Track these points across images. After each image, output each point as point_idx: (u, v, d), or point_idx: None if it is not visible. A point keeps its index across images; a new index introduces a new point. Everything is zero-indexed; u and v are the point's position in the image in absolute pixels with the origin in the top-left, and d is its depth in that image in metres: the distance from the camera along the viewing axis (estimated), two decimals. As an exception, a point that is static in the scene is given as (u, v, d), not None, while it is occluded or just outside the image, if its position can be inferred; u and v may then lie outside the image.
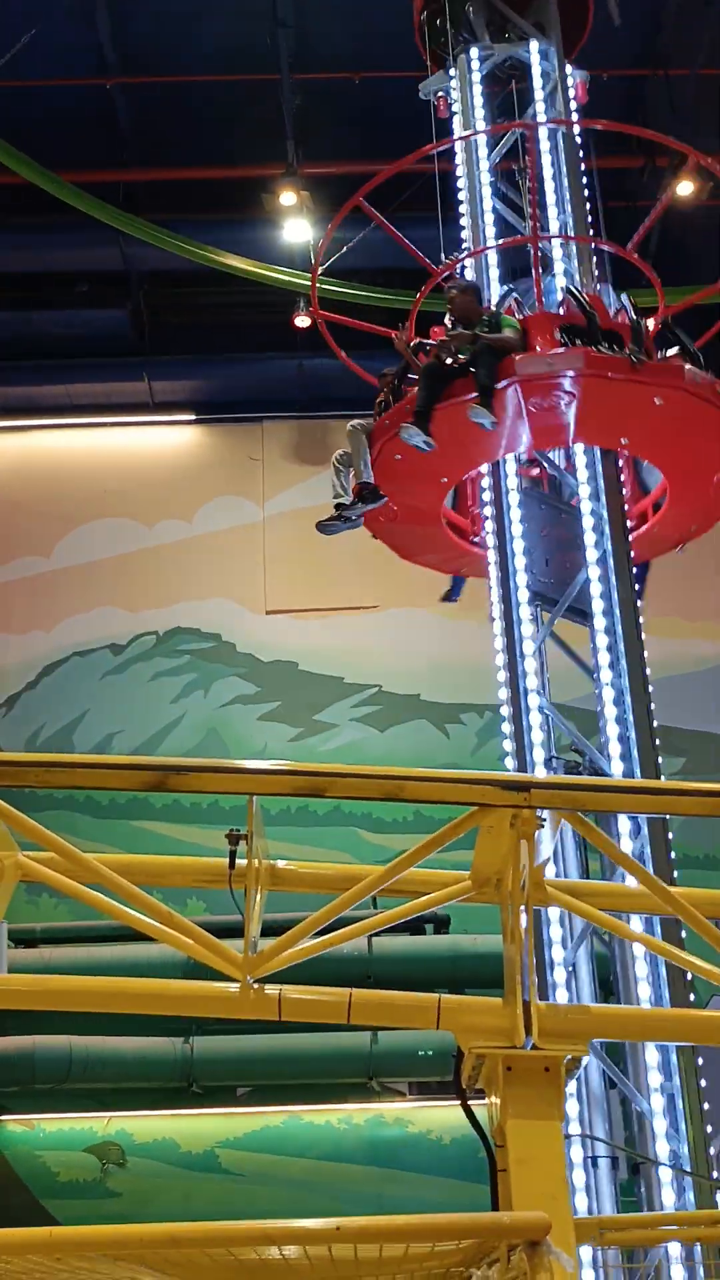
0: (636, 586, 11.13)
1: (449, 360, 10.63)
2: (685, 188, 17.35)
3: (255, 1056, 15.55)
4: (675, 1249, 8.30)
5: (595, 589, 10.51)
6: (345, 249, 15.36)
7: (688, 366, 10.51)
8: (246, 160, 18.70)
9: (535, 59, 12.66)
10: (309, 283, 18.36)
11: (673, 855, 9.82)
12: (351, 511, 11.15)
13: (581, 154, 12.47)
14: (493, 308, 11.09)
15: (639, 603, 10.69)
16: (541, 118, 12.48)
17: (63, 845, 4.89)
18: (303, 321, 19.44)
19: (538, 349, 10.50)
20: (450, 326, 10.99)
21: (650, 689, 10.26)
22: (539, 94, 12.53)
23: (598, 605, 10.45)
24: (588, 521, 10.72)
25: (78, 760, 4.90)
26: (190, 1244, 3.35)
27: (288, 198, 18.15)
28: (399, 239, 12.86)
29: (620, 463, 11.19)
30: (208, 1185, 15.72)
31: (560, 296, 11.16)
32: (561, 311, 10.82)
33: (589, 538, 10.65)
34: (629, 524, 11.12)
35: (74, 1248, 3.31)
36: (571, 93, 12.54)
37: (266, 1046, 15.49)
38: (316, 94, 18.11)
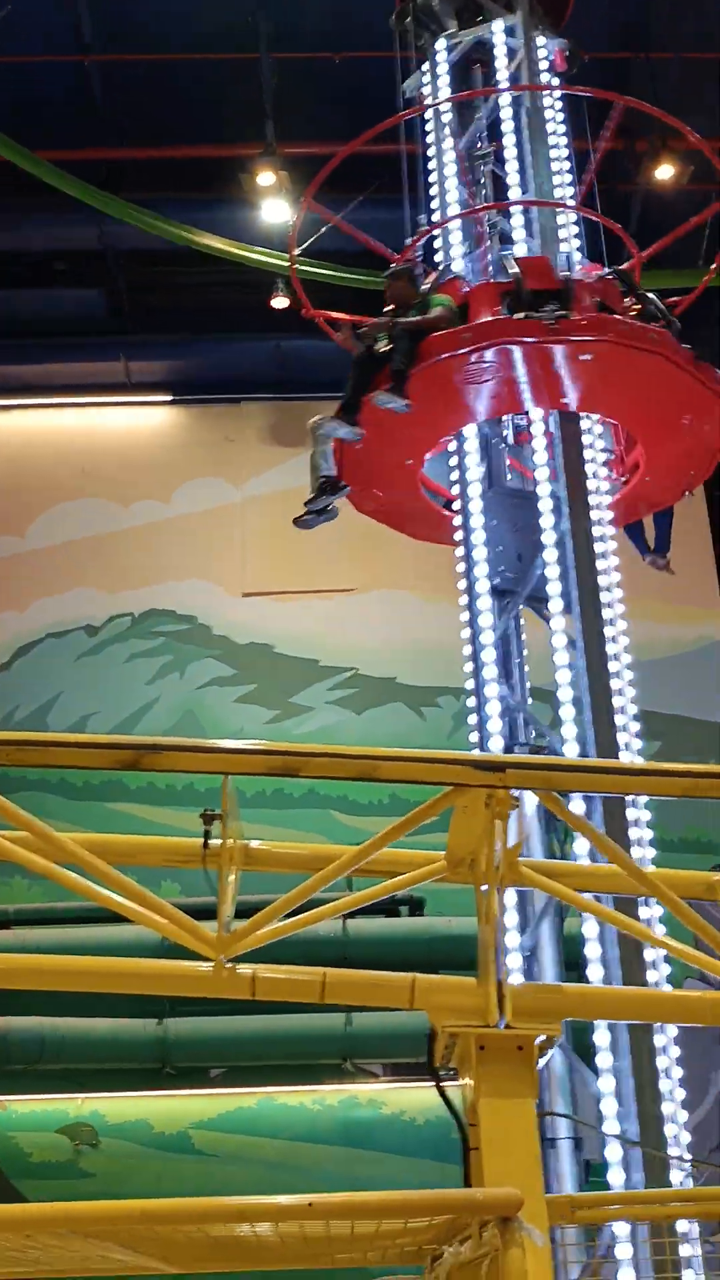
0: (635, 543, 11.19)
1: (378, 348, 10.66)
2: (665, 171, 17.37)
3: (229, 1038, 15.56)
4: (622, 1228, 8.30)
5: (552, 571, 10.45)
6: (323, 230, 15.32)
7: (619, 318, 10.44)
8: (225, 140, 18.60)
9: (500, 36, 12.56)
10: (287, 263, 18.33)
11: (652, 837, 9.85)
12: (315, 505, 11.16)
13: (565, 132, 12.37)
14: (426, 287, 11.05)
15: (606, 584, 10.58)
16: (506, 108, 12.41)
17: (35, 824, 4.87)
18: (280, 302, 19.39)
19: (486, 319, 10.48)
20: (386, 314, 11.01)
21: (616, 672, 10.23)
22: (501, 69, 12.43)
23: (554, 588, 10.39)
24: (545, 504, 10.68)
25: (51, 739, 4.88)
26: (161, 1221, 3.35)
27: (266, 178, 18.05)
28: (345, 227, 12.94)
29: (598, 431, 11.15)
30: (181, 1166, 15.71)
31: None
32: (508, 279, 10.77)
33: (545, 519, 10.61)
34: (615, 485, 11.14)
35: (45, 1225, 3.31)
36: (545, 65, 12.43)
37: (241, 1028, 15.50)
38: (296, 73, 18.01)
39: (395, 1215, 3.56)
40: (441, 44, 12.82)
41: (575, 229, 11.79)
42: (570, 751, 9.74)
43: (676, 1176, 8.79)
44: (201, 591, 20.26)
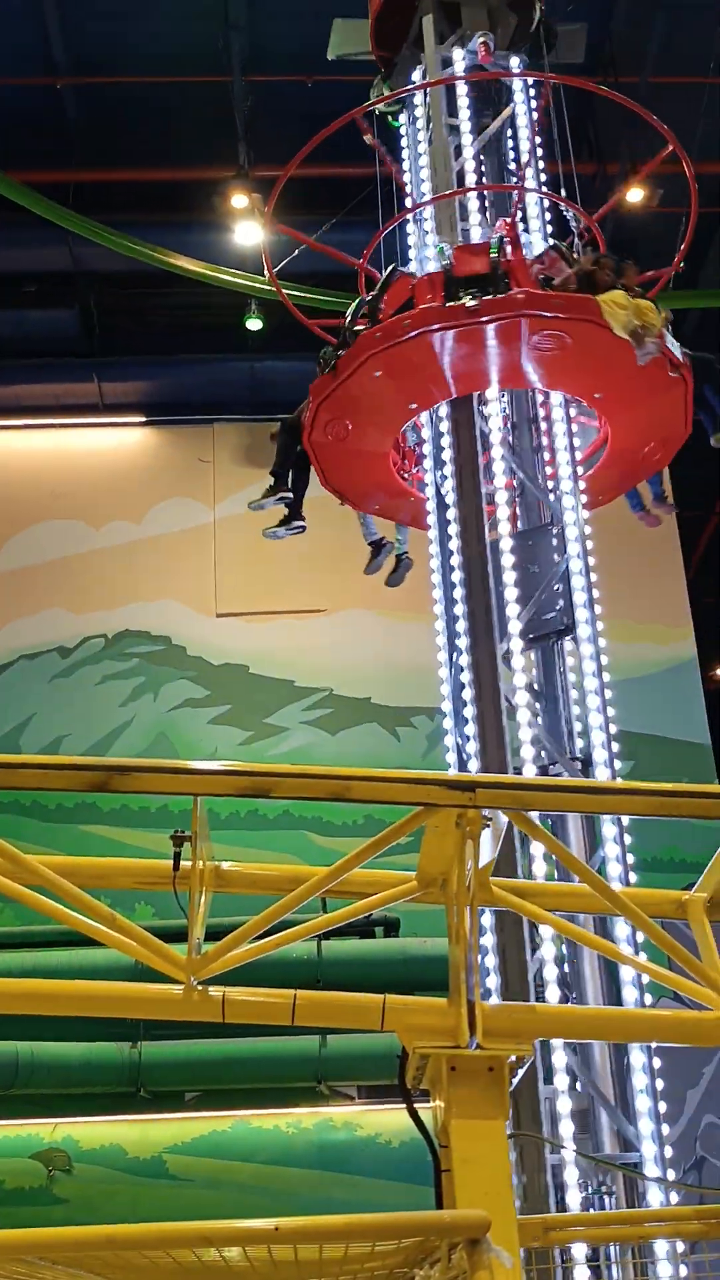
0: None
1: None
2: (635, 194, 17.46)
3: (204, 1061, 15.47)
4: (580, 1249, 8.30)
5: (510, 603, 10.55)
6: (295, 253, 15.38)
7: (533, 290, 10.49)
8: (198, 162, 18.67)
9: (517, 83, 12.80)
10: (260, 285, 18.38)
11: (629, 858, 9.87)
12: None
13: (541, 157, 12.60)
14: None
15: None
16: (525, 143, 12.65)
17: (5, 847, 4.83)
18: (254, 324, 19.44)
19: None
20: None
21: (596, 689, 10.26)
22: (521, 118, 12.69)
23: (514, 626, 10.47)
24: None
25: (19, 761, 4.84)
26: (127, 1246, 3.32)
27: (239, 200, 18.11)
28: (316, 246, 13.10)
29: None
30: (155, 1191, 15.60)
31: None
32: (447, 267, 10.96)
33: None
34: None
35: (8, 1251, 3.27)
36: (480, 53, 12.65)
37: (215, 1051, 15.42)
38: (268, 95, 18.09)
39: (362, 1238, 3.53)
40: (416, 75, 13.06)
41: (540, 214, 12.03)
42: (528, 773, 9.77)
43: (655, 1197, 8.79)
44: (175, 612, 20.23)
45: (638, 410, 11.12)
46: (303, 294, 17.52)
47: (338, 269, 18.42)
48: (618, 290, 10.42)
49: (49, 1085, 15.45)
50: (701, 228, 14.35)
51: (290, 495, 11.64)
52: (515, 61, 12.96)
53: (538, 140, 13.04)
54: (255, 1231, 3.38)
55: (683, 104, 17.18)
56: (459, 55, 12.69)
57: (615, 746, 10.25)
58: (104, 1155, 15.73)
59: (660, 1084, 9.26)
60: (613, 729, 10.31)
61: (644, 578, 19.23)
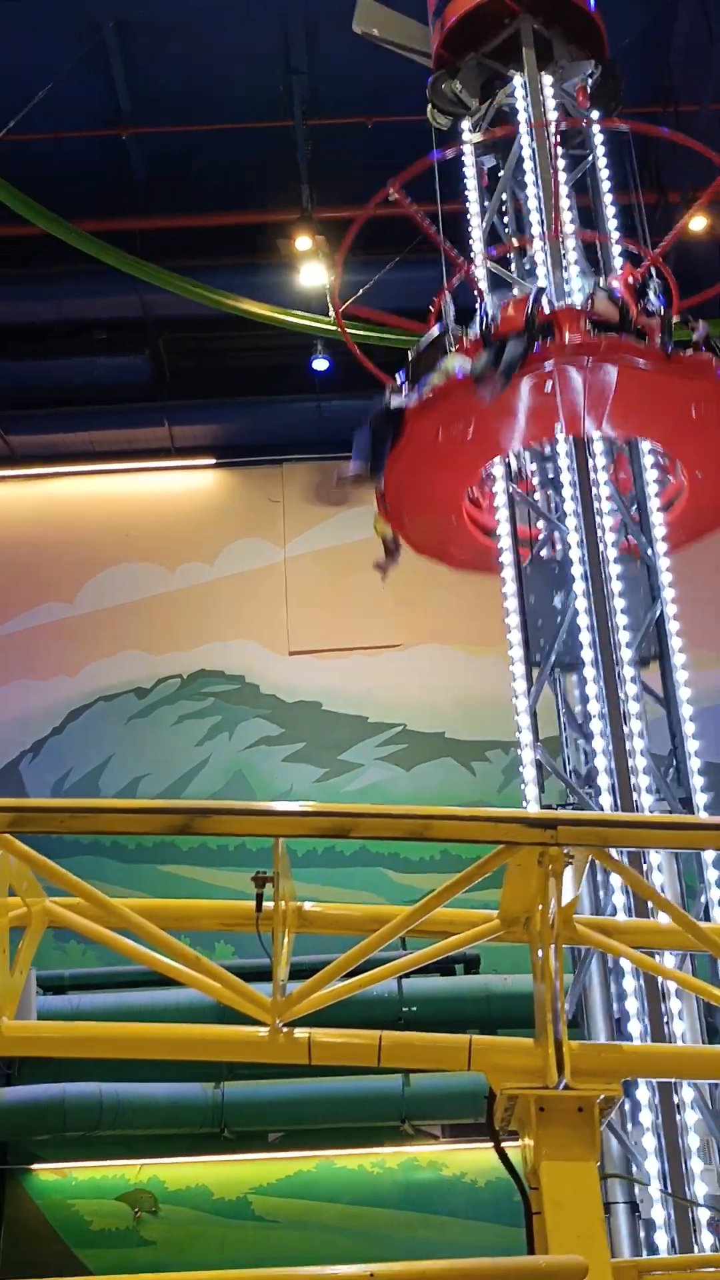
0: None
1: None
2: (698, 223, 17.42)
3: (287, 1101, 15.41)
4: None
5: (584, 632, 10.60)
6: (360, 293, 15.49)
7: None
8: (261, 205, 18.89)
9: (519, 93, 12.88)
10: (326, 326, 18.52)
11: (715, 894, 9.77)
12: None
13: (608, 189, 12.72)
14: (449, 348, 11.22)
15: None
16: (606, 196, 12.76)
17: (90, 891, 4.89)
18: (320, 364, 19.60)
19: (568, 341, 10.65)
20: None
21: (632, 726, 10.23)
22: (602, 171, 12.82)
23: (587, 654, 10.47)
24: (576, 568, 10.81)
25: (103, 805, 4.91)
26: (223, 1293, 3.31)
27: (303, 242, 18.30)
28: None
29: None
30: (241, 1232, 15.57)
31: (587, 294, 11.35)
32: (590, 306, 10.99)
33: (578, 584, 10.75)
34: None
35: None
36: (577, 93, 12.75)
37: (298, 1091, 15.36)
38: (330, 138, 18.28)
39: (458, 1284, 3.50)
40: (466, 125, 13.17)
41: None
42: (605, 803, 9.74)
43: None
44: (248, 651, 20.33)
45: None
46: (368, 334, 17.65)
47: (403, 306, 18.57)
48: None
49: (133, 1126, 15.46)
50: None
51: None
52: (595, 114, 13.12)
53: (605, 185, 13.16)
54: (350, 1278, 3.37)
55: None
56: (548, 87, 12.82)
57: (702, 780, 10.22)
58: (190, 1196, 15.74)
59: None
60: (696, 763, 10.26)
61: (708, 601, 19.05)
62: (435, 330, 11.57)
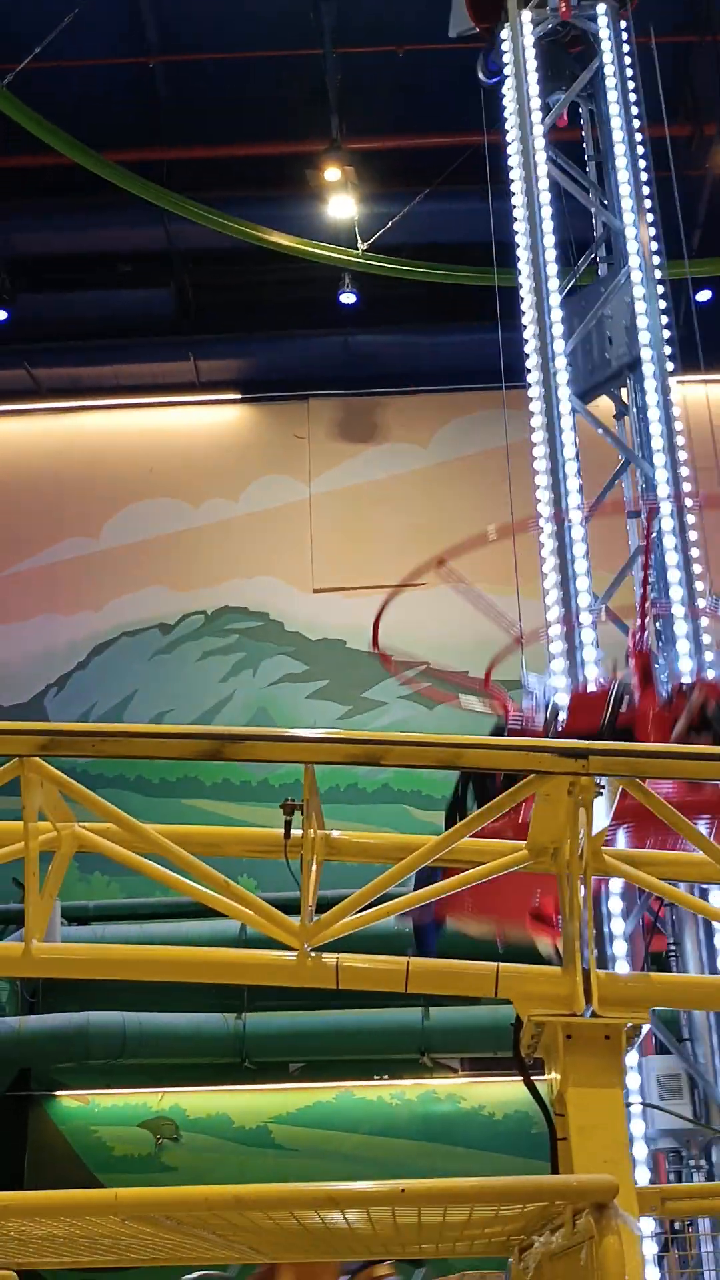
0: None
1: None
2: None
3: (307, 1032, 15.58)
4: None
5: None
6: (389, 224, 15.31)
7: None
8: (290, 136, 18.61)
9: (605, 29, 12.54)
10: (354, 259, 18.32)
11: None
12: None
13: (636, 117, 12.39)
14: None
15: None
16: (612, 92, 12.37)
17: (119, 814, 4.89)
18: (348, 298, 19.40)
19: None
20: None
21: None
22: (609, 66, 12.41)
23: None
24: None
25: (133, 730, 4.88)
26: (254, 1206, 3.35)
27: (332, 173, 18.04)
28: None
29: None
30: (261, 1160, 15.79)
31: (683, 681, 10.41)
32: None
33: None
34: None
35: (138, 1209, 3.31)
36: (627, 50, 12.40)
37: (318, 1023, 15.51)
38: (359, 67, 17.98)
39: (489, 1201, 3.52)
40: (526, 16, 12.71)
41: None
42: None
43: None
44: (272, 588, 20.31)
45: None
46: (399, 266, 17.48)
47: (432, 240, 18.34)
48: None
49: (156, 1055, 15.66)
50: None
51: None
52: (602, 8, 12.64)
53: (631, 99, 12.78)
54: (382, 1194, 3.39)
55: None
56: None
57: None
58: (211, 1124, 15.95)
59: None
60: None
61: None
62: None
